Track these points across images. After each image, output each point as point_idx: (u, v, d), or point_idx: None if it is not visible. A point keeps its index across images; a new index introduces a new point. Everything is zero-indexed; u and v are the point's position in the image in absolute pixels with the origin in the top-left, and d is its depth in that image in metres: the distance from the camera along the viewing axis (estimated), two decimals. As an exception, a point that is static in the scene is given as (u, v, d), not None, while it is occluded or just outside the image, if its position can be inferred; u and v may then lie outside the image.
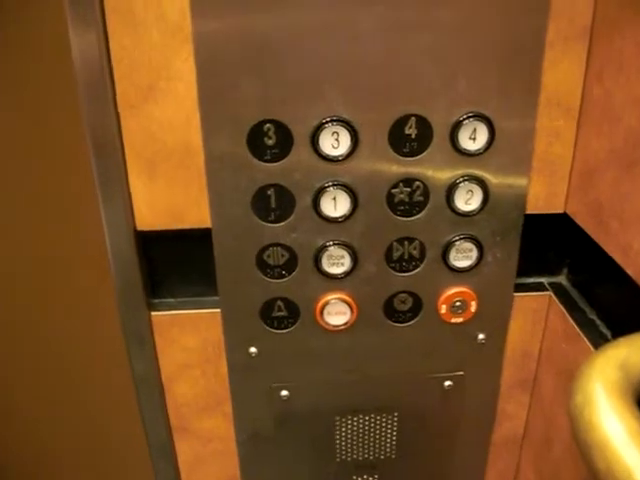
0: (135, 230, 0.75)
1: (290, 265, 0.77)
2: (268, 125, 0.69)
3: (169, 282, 0.82)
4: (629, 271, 0.66)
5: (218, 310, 0.81)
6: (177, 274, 0.81)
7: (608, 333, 0.74)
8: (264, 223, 0.74)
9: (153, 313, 0.81)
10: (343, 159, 0.71)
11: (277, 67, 0.67)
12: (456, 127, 0.70)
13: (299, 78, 0.68)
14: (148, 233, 0.76)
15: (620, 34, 0.64)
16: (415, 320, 0.82)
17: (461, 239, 0.77)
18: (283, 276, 0.78)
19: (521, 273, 0.82)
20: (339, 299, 0.79)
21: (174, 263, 0.81)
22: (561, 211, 0.78)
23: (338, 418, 0.91)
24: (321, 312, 0.80)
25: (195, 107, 0.69)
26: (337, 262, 0.77)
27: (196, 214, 0.75)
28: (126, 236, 0.75)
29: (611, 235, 0.69)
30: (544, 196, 0.77)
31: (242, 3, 0.64)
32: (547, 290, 0.83)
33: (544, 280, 0.85)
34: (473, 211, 0.75)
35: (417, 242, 0.77)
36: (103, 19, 0.65)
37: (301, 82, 0.68)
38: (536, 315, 0.85)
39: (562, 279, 0.84)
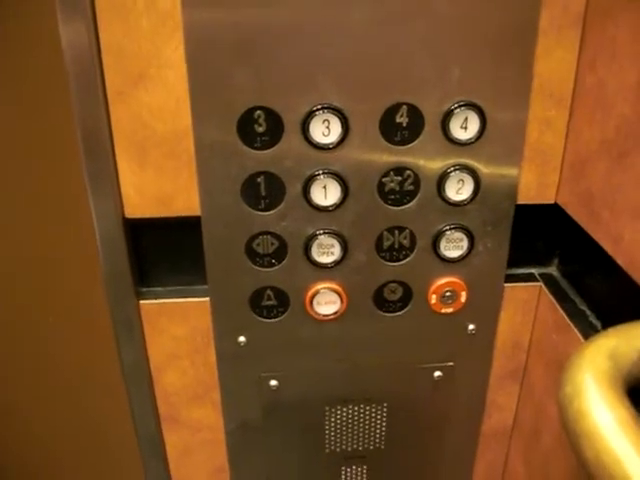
0: (124, 217, 0.75)
1: (280, 254, 0.77)
2: (258, 112, 0.68)
3: (158, 270, 0.81)
4: (619, 261, 0.66)
5: (207, 299, 0.81)
6: (166, 262, 0.81)
7: (598, 324, 0.74)
8: (254, 211, 0.74)
9: (142, 302, 0.81)
10: (334, 147, 0.70)
11: (267, 54, 0.66)
12: (447, 116, 0.70)
13: (290, 65, 0.67)
14: (137, 221, 0.76)
15: (613, 22, 0.64)
16: (405, 310, 0.82)
17: (452, 229, 0.76)
18: (273, 265, 0.77)
19: (511, 263, 0.82)
20: (329, 288, 0.79)
21: (163, 251, 0.80)
22: (552, 201, 0.78)
23: (327, 408, 0.91)
24: (311, 301, 0.79)
25: (185, 94, 0.69)
26: (327, 251, 0.76)
27: (185, 201, 0.74)
28: (115, 223, 0.74)
29: (602, 225, 0.69)
30: (535, 186, 0.77)
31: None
32: (537, 281, 0.83)
33: (534, 271, 0.84)
34: (464, 201, 0.75)
35: (407, 231, 0.76)
36: (93, 7, 0.64)
37: (292, 69, 0.67)
38: (526, 306, 0.85)
39: (552, 270, 0.84)
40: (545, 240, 0.83)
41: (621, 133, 0.64)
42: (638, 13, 0.60)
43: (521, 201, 0.77)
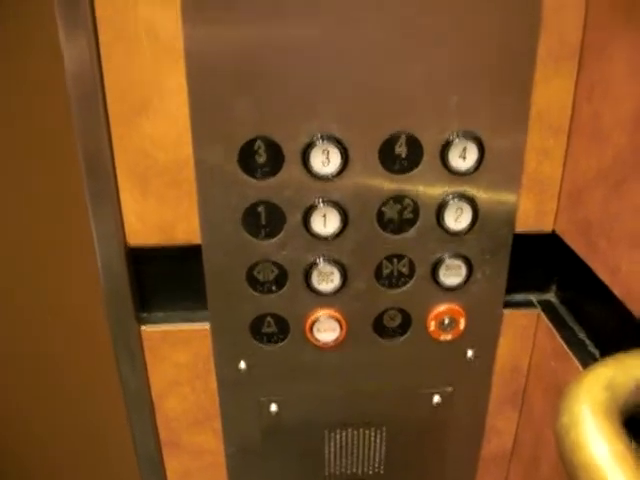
0: (126, 245, 0.75)
1: (280, 281, 0.77)
2: (259, 142, 0.69)
3: (159, 296, 0.82)
4: (616, 292, 0.66)
5: (208, 325, 0.81)
6: (167, 289, 0.81)
7: (596, 352, 0.74)
8: (254, 240, 0.74)
9: (143, 327, 0.81)
10: (333, 177, 0.71)
11: (268, 85, 0.67)
12: (446, 146, 0.71)
13: (290, 96, 0.68)
14: (139, 248, 0.76)
15: (609, 55, 0.65)
16: (404, 337, 0.82)
17: (450, 257, 0.77)
18: (273, 292, 0.78)
19: (510, 290, 0.82)
20: (329, 315, 0.79)
21: (164, 278, 0.81)
22: (550, 230, 0.79)
23: (327, 432, 0.91)
24: (311, 328, 0.80)
25: (187, 124, 0.69)
26: (327, 279, 0.77)
27: (186, 230, 0.75)
28: (117, 251, 0.75)
29: (599, 255, 0.69)
30: (533, 214, 0.78)
31: (234, 22, 0.65)
32: (536, 307, 0.84)
33: (533, 297, 0.85)
34: (463, 229, 0.75)
35: (406, 259, 0.77)
36: (96, 37, 0.65)
37: (292, 100, 0.68)
38: (525, 332, 0.85)
39: (551, 296, 0.85)
40: (543, 267, 0.83)
41: (617, 162, 0.65)
42: (633, 47, 0.61)
43: (519, 229, 0.78)
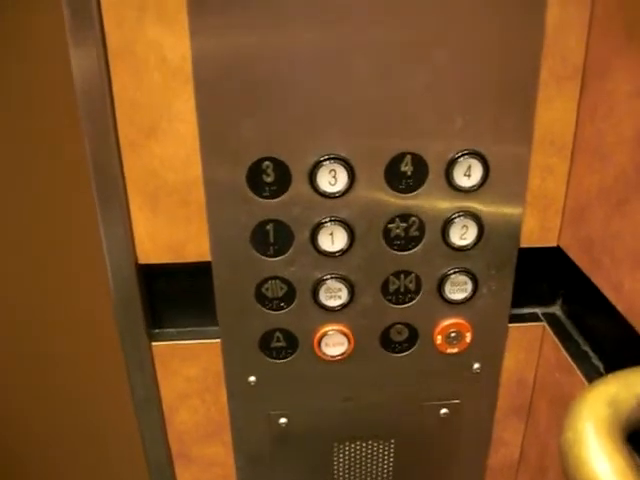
0: (137, 263, 0.77)
1: (289, 298, 0.78)
2: (267, 163, 0.71)
3: (170, 313, 0.83)
4: (619, 308, 0.67)
5: (218, 340, 0.82)
6: (178, 305, 0.83)
7: (600, 365, 0.75)
8: (263, 257, 0.76)
9: (154, 343, 0.82)
10: (340, 195, 0.72)
11: (275, 107, 0.69)
12: (451, 164, 0.72)
13: (297, 117, 0.69)
14: (150, 266, 0.78)
15: (611, 75, 0.66)
16: (411, 350, 0.83)
17: (456, 272, 0.78)
18: (282, 308, 0.79)
19: (515, 304, 0.83)
20: (337, 330, 0.80)
21: (175, 294, 0.82)
22: (554, 244, 0.80)
23: (336, 445, 0.92)
24: (319, 343, 0.81)
25: (196, 145, 0.71)
26: (334, 295, 0.78)
27: (196, 248, 0.76)
28: (128, 269, 0.76)
29: (603, 271, 0.70)
30: (538, 230, 0.79)
31: (241, 44, 0.66)
32: (541, 321, 0.85)
33: (538, 310, 0.86)
34: (468, 245, 0.76)
35: (413, 275, 0.78)
36: (106, 60, 0.66)
37: (299, 121, 0.69)
38: (530, 345, 0.86)
39: (556, 309, 0.86)
40: (548, 281, 0.84)
41: (619, 182, 0.66)
42: (635, 67, 0.62)
43: (524, 244, 0.79)
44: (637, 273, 0.64)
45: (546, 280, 0.84)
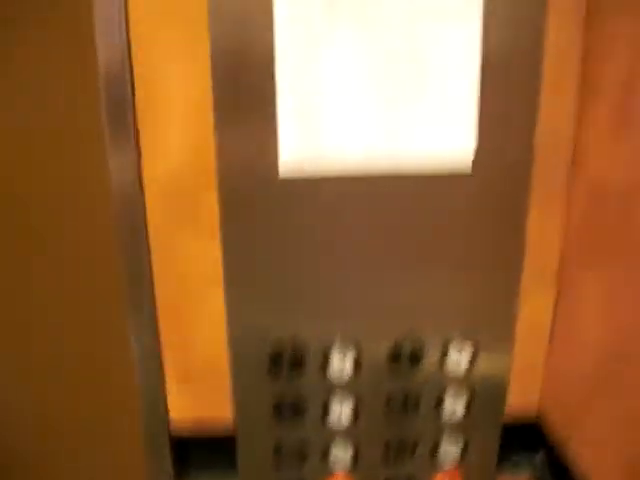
0: (170, 436, 0.86)
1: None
2: (284, 346, 0.81)
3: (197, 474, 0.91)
4: None
5: None
6: (204, 467, 0.91)
7: None
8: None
9: None
10: (348, 377, 0.82)
11: (294, 299, 0.80)
12: (446, 345, 0.82)
13: (311, 309, 0.80)
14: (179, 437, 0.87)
15: (582, 281, 0.77)
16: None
17: (447, 438, 0.87)
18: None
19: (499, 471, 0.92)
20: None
21: (201, 460, 0.90)
22: (534, 418, 0.89)
23: None
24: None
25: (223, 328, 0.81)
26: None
27: (221, 422, 0.85)
28: (161, 442, 0.86)
29: (578, 455, 0.80)
30: (519, 405, 0.88)
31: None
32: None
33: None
34: (458, 418, 0.86)
35: (410, 441, 0.87)
36: (138, 145, 0.72)
37: (313, 314, 0.81)
38: None
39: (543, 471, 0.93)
40: (530, 449, 0.93)
41: (598, 367, 0.75)
42: (602, 274, 0.73)
43: (507, 418, 0.88)
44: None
45: (528, 449, 0.93)
